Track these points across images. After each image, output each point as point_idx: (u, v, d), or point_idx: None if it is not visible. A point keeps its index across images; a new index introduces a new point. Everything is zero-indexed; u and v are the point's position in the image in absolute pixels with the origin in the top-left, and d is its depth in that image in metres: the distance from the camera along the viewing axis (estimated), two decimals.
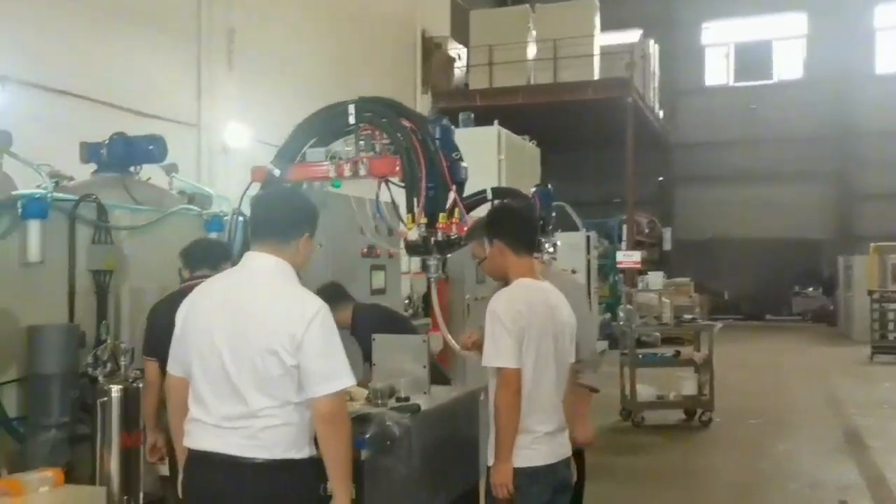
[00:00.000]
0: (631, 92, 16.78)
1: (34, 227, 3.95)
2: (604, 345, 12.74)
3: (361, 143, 4.86)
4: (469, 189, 7.70)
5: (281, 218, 2.68)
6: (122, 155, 5.34)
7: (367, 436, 2.80)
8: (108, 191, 5.10)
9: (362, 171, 4.79)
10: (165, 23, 10.31)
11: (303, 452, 2.50)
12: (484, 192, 7.61)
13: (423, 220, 4.50)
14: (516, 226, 3.25)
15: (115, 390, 3.81)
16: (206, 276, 4.25)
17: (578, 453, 3.58)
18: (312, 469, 2.52)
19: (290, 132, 5.31)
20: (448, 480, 3.06)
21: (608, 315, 15.82)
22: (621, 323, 9.16)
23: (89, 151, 5.44)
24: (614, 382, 8.73)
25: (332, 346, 2.51)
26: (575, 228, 16.02)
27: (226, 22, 11.39)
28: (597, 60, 17.69)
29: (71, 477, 3.83)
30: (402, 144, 4.62)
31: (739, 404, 9.20)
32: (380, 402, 3.00)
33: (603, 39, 18.38)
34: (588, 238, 14.24)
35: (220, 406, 2.52)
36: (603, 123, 17.81)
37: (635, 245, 17.72)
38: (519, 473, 2.87)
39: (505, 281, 3.21)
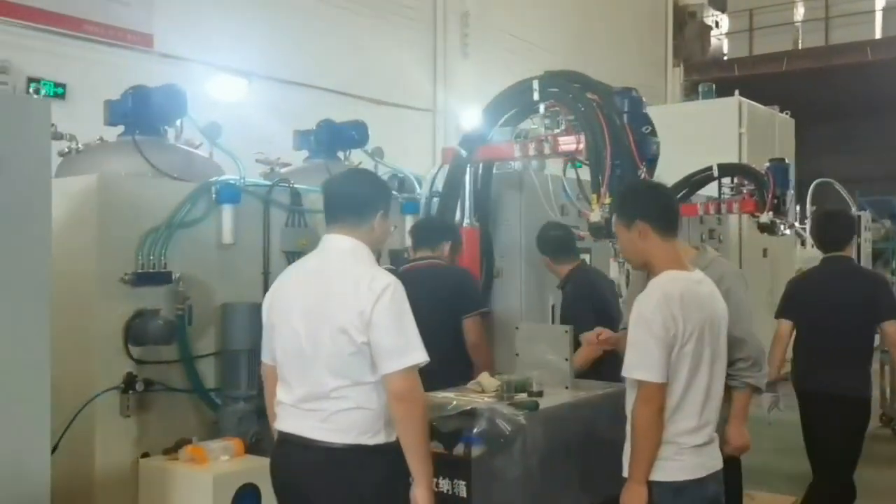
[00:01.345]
0: None
1: (227, 211, 4.23)
2: None
3: (547, 120, 4.65)
4: (696, 165, 7.18)
5: (353, 198, 2.69)
6: (328, 141, 5.59)
7: (476, 431, 2.62)
8: (315, 175, 5.34)
9: (547, 150, 4.58)
10: (401, 13, 10.72)
11: (377, 438, 2.49)
12: (710, 168, 7.02)
13: (608, 201, 4.20)
14: (661, 203, 2.82)
15: None
16: (428, 258, 4.39)
17: (732, 460, 3.17)
18: (387, 456, 2.48)
19: (480, 112, 5.25)
20: (582, 486, 2.78)
21: None
22: None
23: (300, 139, 5.76)
24: (875, 384, 7.65)
25: (402, 322, 2.49)
26: (845, 207, 14.32)
27: (460, 7, 11.58)
28: (879, 17, 15.60)
29: (258, 447, 4.08)
30: (586, 120, 4.34)
31: None
32: (505, 395, 2.80)
33: None
34: (858, 217, 12.63)
35: (298, 388, 2.58)
36: (886, 88, 15.68)
37: None
38: (661, 488, 2.57)
39: (646, 269, 2.84)
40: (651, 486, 2.58)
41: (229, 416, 4.10)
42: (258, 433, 4.14)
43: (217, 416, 4.17)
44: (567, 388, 2.94)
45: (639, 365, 2.57)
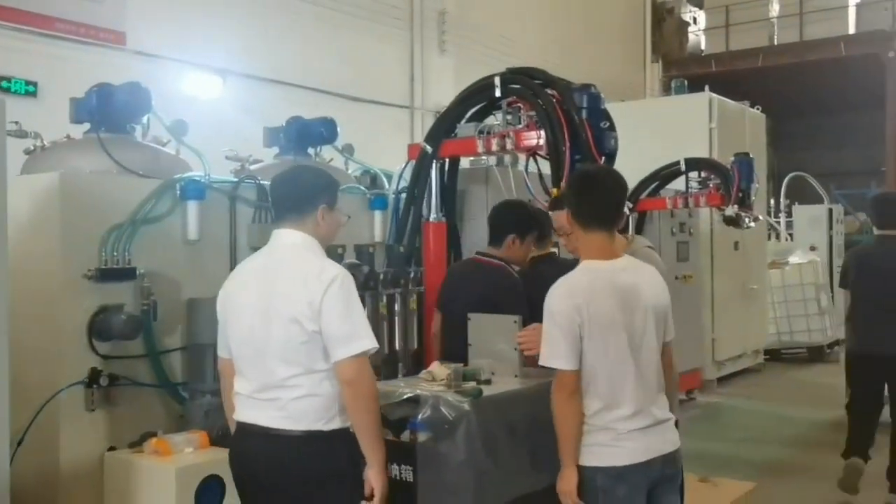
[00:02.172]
0: (893, 45, 14.77)
1: (192, 207, 4.28)
2: None
3: (509, 116, 4.73)
4: (670, 158, 7.28)
5: (292, 194, 2.74)
6: (297, 138, 5.63)
7: (421, 418, 2.70)
8: None
9: (509, 145, 4.66)
10: (379, 10, 10.75)
11: (331, 424, 2.56)
12: (678, 163, 7.14)
13: None
14: (584, 195, 2.85)
15: None
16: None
17: None
18: (344, 441, 2.56)
19: (445, 109, 5.32)
20: (528, 471, 2.86)
21: None
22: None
23: (270, 136, 5.80)
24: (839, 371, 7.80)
25: (351, 310, 2.57)
26: (819, 201, 14.50)
27: (438, 4, 11.63)
28: (852, 13, 15.77)
29: (223, 440, 4.13)
30: (545, 115, 4.42)
31: None
32: (454, 384, 2.88)
33: None
34: (830, 211, 12.79)
35: (254, 379, 2.65)
36: (860, 83, 15.87)
37: None
38: (603, 473, 2.65)
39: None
40: (594, 471, 2.66)
41: (196, 409, 4.15)
42: (224, 426, 4.19)
43: (183, 410, 4.22)
44: (516, 376, 3.02)
45: (548, 354, 2.68)
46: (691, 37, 17.58)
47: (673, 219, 8.37)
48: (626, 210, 4.67)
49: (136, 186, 4.17)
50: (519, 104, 4.65)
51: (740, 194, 6.50)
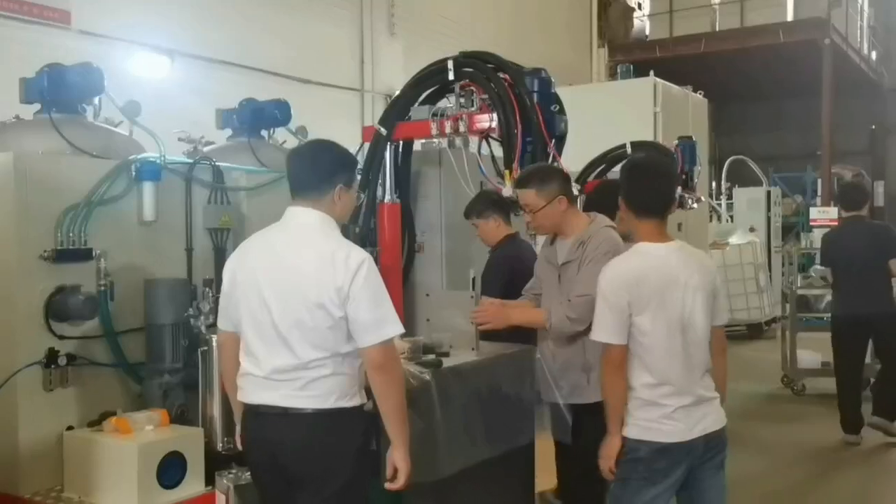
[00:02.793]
0: (829, 33, 15.23)
1: (148, 188, 4.28)
2: None
3: (462, 99, 4.84)
4: (616, 142, 7.46)
5: (314, 171, 2.70)
6: (250, 120, 5.65)
7: None
8: (238, 154, 5.41)
9: (462, 128, 4.77)
10: None
11: (353, 401, 2.58)
12: (623, 146, 7.32)
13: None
14: (640, 185, 3.04)
15: (216, 340, 4.06)
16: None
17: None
18: (363, 418, 2.59)
19: (398, 92, 5.40)
20: (487, 439, 2.99)
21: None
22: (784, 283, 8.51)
23: (223, 117, 5.81)
24: (776, 348, 8.14)
25: (378, 296, 2.56)
26: (758, 183, 14.97)
27: None
28: (790, 0, 16.21)
29: (183, 419, 4.19)
30: (497, 99, 4.54)
31: None
32: (413, 356, 2.99)
33: None
34: (769, 193, 13.23)
35: (271, 359, 2.60)
36: (798, 69, 16.36)
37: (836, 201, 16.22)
38: (648, 447, 2.85)
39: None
40: (637, 443, 2.86)
41: (154, 388, 4.18)
42: (183, 405, 4.24)
43: (142, 390, 4.26)
44: (473, 349, 3.15)
45: (596, 328, 2.88)
46: (636, 22, 17.88)
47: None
48: (575, 191, 4.88)
49: (91, 167, 4.17)
50: (472, 87, 4.76)
51: (684, 176, 6.73)
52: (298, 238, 2.66)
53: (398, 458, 2.59)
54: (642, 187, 2.99)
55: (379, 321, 2.53)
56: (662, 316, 2.80)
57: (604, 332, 2.84)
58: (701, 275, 2.94)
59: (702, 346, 2.89)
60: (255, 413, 2.67)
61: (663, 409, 2.81)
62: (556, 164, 4.33)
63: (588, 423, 3.30)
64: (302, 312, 2.54)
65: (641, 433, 2.83)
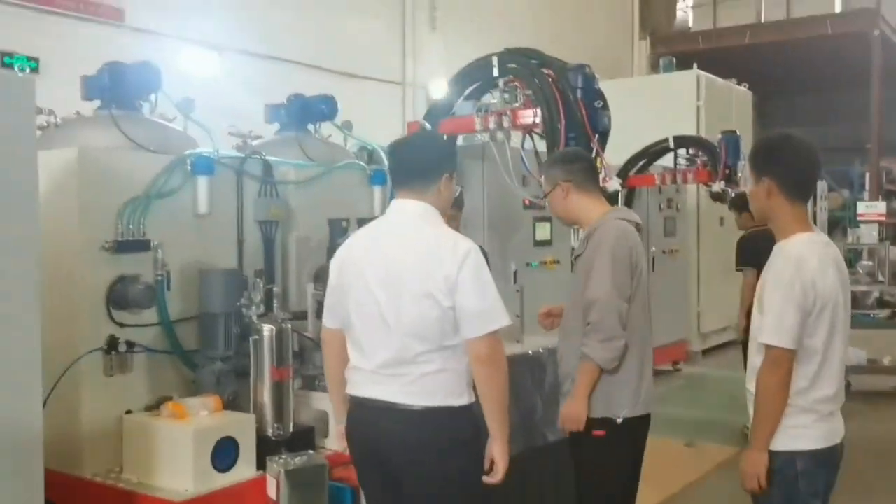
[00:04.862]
0: (879, 24, 14.92)
1: (202, 182, 4.44)
2: None
3: (506, 95, 4.92)
4: (658, 135, 7.48)
5: (421, 161, 2.68)
6: (298, 115, 5.78)
7: None
8: (286, 148, 5.55)
9: (506, 123, 4.85)
10: None
11: (462, 399, 2.53)
12: (666, 140, 7.34)
13: None
14: (798, 164, 2.65)
15: (267, 329, 4.21)
16: None
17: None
18: (472, 416, 2.54)
19: (443, 86, 5.49)
20: (526, 430, 3.06)
21: None
22: None
23: (271, 112, 5.95)
24: None
25: (486, 286, 2.53)
26: None
27: None
28: None
29: (235, 405, 4.34)
30: (541, 95, 4.60)
31: None
32: None
33: None
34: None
35: (379, 353, 2.57)
36: (846, 60, 16.04)
37: (885, 195, 15.92)
38: (803, 458, 2.59)
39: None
40: (791, 455, 2.58)
41: (207, 375, 4.34)
42: (234, 392, 4.40)
43: (195, 376, 4.42)
44: (518, 342, 3.22)
45: (772, 330, 2.52)
46: (679, 13, 17.67)
47: (661, 195, 8.59)
48: (618, 185, 4.92)
49: (149, 162, 4.33)
50: (516, 83, 4.84)
51: (727, 171, 6.73)
52: (405, 229, 2.63)
53: (497, 452, 2.55)
54: (798, 166, 2.62)
55: (486, 311, 2.49)
56: (834, 315, 2.57)
57: (784, 334, 2.49)
58: (847, 273, 2.73)
59: (847, 343, 2.70)
60: (362, 406, 2.63)
61: (819, 414, 2.58)
62: (598, 158, 4.38)
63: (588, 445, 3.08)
64: (409, 303, 2.50)
65: (795, 442, 2.57)
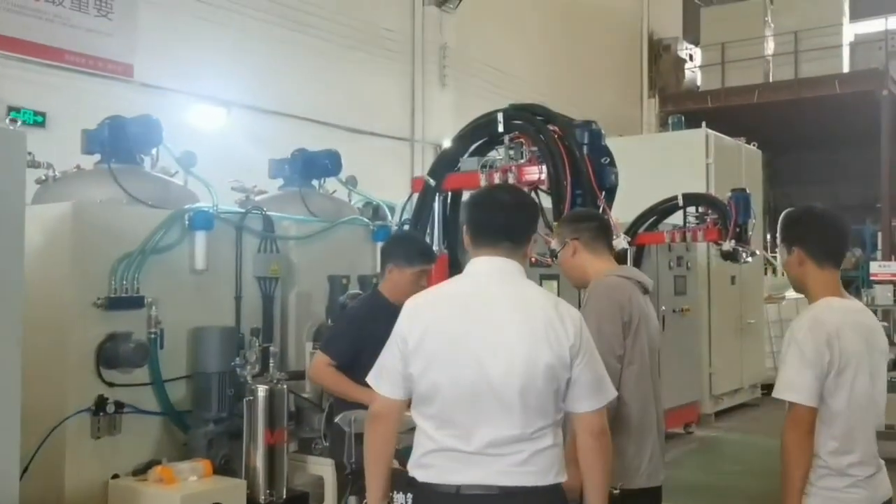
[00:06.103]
0: (887, 84, 14.98)
1: (200, 237, 4.36)
2: None
3: (512, 151, 4.84)
4: (668, 193, 7.38)
5: (520, 220, 2.46)
6: (302, 169, 5.73)
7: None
8: (289, 203, 5.48)
9: (511, 180, 4.75)
10: (381, 44, 10.94)
11: (562, 476, 2.34)
12: (675, 198, 7.24)
13: None
14: (824, 232, 2.78)
15: (261, 390, 4.07)
16: None
17: None
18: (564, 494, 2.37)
19: (448, 143, 5.43)
20: None
21: None
22: None
23: (275, 167, 5.90)
24: None
25: (597, 355, 2.40)
26: None
27: (438, 39, 11.83)
28: (846, 51, 16.04)
29: (227, 469, 4.18)
30: (547, 151, 4.52)
31: None
32: None
33: (855, 28, 16.65)
34: None
35: (485, 431, 2.27)
36: (855, 119, 16.07)
37: None
38: None
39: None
40: None
41: (199, 438, 4.19)
42: (227, 455, 4.24)
43: (187, 438, 4.26)
44: None
45: (788, 386, 2.58)
46: (688, 73, 17.83)
47: (671, 253, 8.46)
48: (625, 244, 4.79)
49: (146, 216, 4.25)
50: (521, 139, 4.76)
51: (737, 229, 6.61)
52: (509, 292, 2.36)
53: None
54: (827, 233, 2.75)
55: (601, 381, 2.36)
56: (860, 378, 2.60)
57: (797, 391, 2.54)
58: (883, 335, 2.76)
59: (883, 409, 2.72)
60: (451, 497, 2.28)
61: (850, 478, 2.58)
62: (605, 216, 4.27)
63: None
64: (529, 375, 2.25)
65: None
